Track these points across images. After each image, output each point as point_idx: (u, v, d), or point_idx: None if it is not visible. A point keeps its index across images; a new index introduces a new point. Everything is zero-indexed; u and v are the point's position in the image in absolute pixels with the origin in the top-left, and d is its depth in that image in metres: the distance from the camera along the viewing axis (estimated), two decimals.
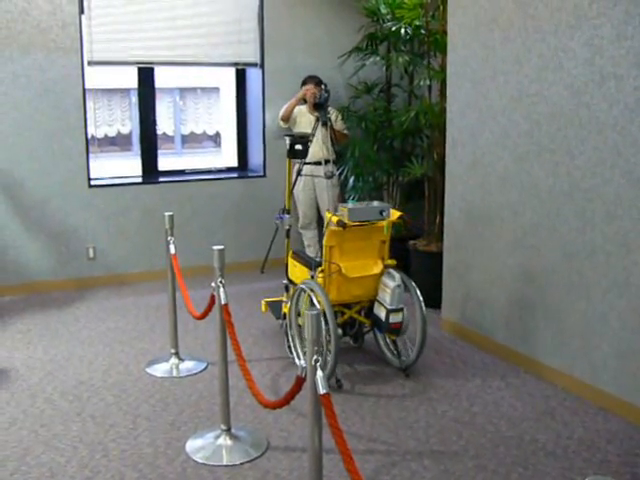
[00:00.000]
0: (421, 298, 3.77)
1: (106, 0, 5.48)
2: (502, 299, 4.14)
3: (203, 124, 14.83)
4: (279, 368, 4.01)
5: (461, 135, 4.38)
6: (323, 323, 3.35)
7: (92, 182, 5.65)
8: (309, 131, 4.60)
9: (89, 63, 5.49)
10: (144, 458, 3.03)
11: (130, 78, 6.48)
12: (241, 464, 2.99)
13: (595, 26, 3.36)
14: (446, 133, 4.55)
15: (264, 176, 6.22)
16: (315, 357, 2.19)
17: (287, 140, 4.38)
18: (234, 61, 6.07)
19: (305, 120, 5.69)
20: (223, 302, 3.04)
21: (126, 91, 13.65)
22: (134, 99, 12.74)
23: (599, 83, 3.37)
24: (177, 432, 3.27)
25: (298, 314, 3.89)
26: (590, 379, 3.56)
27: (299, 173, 4.55)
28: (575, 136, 3.53)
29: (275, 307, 4.45)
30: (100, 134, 13.80)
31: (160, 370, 3.98)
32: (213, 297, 3.18)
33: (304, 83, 5.78)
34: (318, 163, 5.00)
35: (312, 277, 3.81)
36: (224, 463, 3.01)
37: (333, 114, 5.61)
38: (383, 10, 5.77)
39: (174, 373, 3.95)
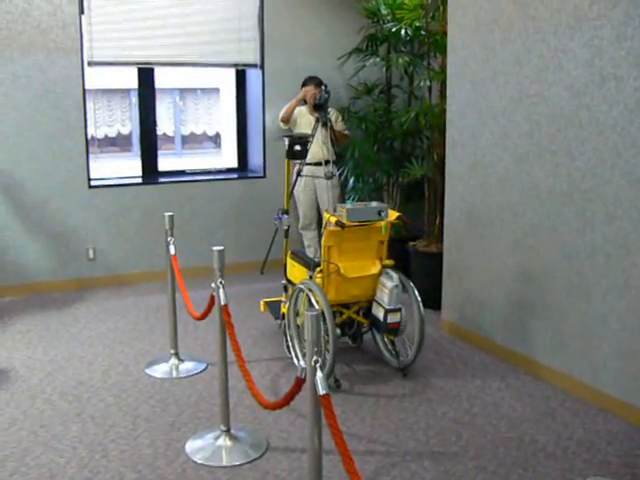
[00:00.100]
0: (419, 298, 3.78)
1: (106, 0, 5.48)
2: (502, 300, 4.14)
3: (203, 125, 14.84)
4: (279, 369, 4.01)
5: (461, 136, 4.38)
6: (322, 323, 3.35)
7: (92, 183, 5.65)
8: (309, 132, 4.60)
9: (89, 63, 5.50)
10: (144, 459, 3.03)
11: (130, 79, 6.48)
12: (241, 465, 2.99)
13: (595, 27, 3.36)
14: (446, 134, 4.54)
15: (264, 177, 6.23)
16: (315, 358, 2.19)
17: (286, 141, 4.38)
18: (234, 62, 6.07)
19: (305, 121, 5.69)
20: (223, 303, 3.04)
21: (126, 92, 13.67)
22: (134, 100, 12.74)
23: (599, 84, 3.37)
24: (177, 433, 3.27)
25: (297, 314, 3.90)
26: (590, 380, 3.55)
27: (299, 174, 4.55)
28: (575, 137, 3.53)
29: (274, 307, 4.45)
30: (100, 135, 13.82)
31: (160, 371, 3.98)
32: (213, 298, 3.18)
33: (304, 84, 5.78)
34: (318, 164, 5.00)
35: (311, 277, 3.81)
36: (224, 464, 3.00)
37: (333, 115, 5.61)
38: (383, 11, 5.78)
39: (174, 374, 3.95)
